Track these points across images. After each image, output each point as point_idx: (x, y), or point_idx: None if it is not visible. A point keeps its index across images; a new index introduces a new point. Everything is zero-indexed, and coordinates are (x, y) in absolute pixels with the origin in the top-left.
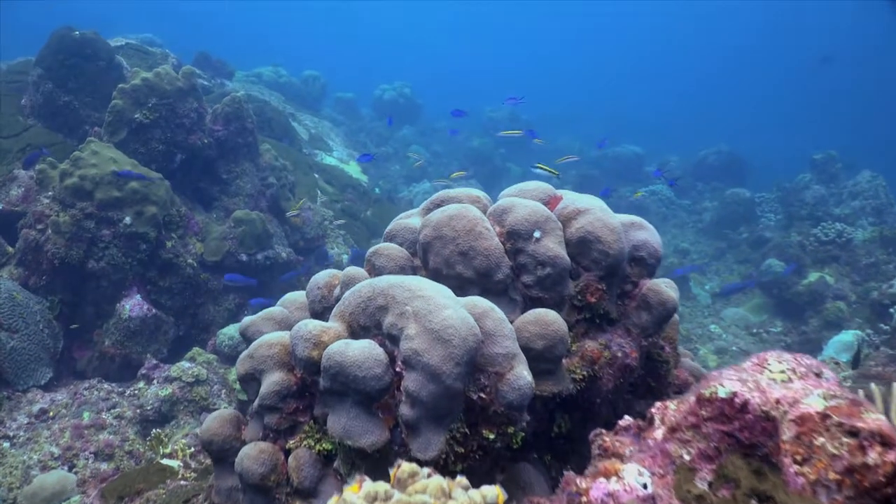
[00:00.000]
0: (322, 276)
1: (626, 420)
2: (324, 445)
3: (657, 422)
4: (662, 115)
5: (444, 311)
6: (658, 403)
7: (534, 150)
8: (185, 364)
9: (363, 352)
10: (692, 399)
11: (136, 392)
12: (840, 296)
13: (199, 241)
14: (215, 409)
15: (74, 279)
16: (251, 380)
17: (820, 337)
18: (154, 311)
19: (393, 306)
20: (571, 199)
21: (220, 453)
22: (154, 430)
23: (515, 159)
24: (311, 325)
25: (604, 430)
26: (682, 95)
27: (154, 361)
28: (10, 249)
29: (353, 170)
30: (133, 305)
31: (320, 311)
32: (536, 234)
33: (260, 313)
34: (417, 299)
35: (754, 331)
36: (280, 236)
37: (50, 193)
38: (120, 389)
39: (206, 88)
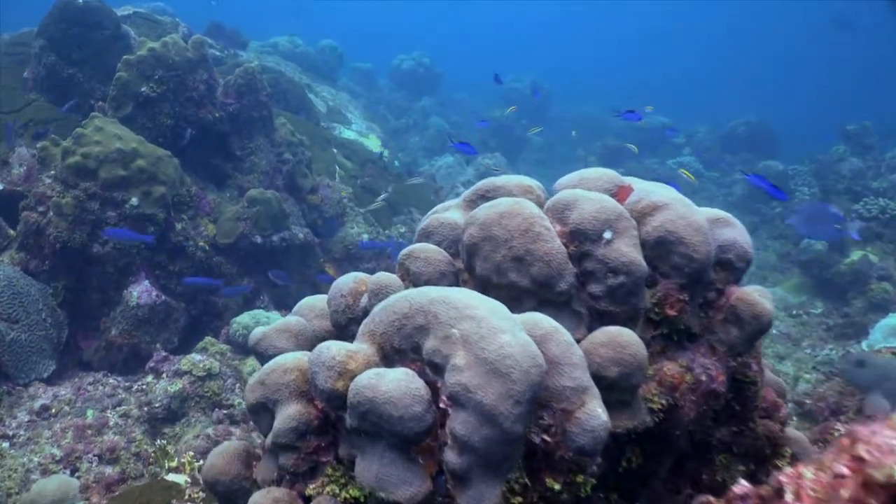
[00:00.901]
0: (346, 282)
1: (742, 487)
2: (351, 492)
3: (790, 497)
4: (688, 84)
5: (500, 337)
6: (789, 471)
7: (555, 120)
8: (196, 356)
9: (399, 386)
10: (845, 472)
11: (144, 387)
12: (885, 276)
13: (210, 221)
14: (228, 405)
15: (78, 264)
16: (263, 410)
17: (866, 320)
18: (163, 297)
19: (436, 327)
20: (644, 189)
21: (227, 495)
22: (159, 442)
23: (543, 130)
24: (335, 350)
25: (711, 499)
26: (708, 64)
27: (163, 353)
28: (12, 233)
29: (373, 144)
30: (141, 292)
31: (344, 323)
32: (607, 235)
33: (275, 324)
34: (466, 320)
35: (794, 312)
36: (297, 216)
37: (52, 173)
38: (126, 384)
39: (218, 59)
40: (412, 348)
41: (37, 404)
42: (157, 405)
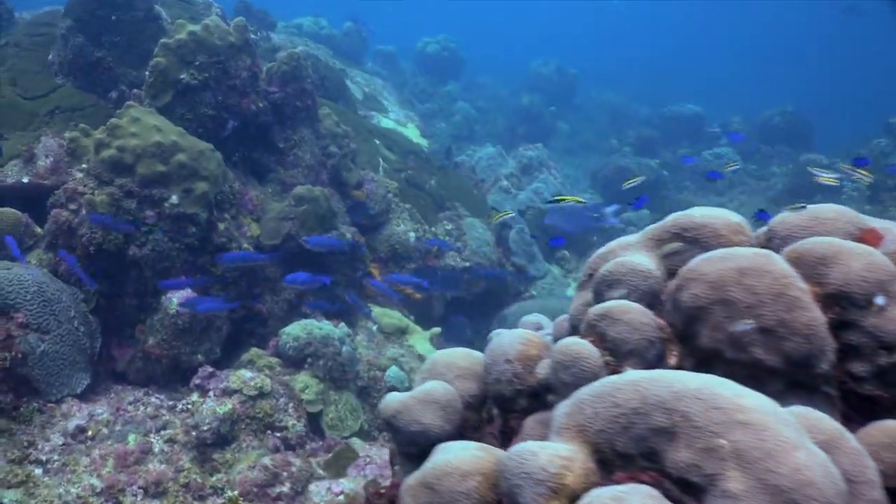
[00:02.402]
0: (511, 343)
1: None
2: None
3: None
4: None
5: (793, 455)
6: None
7: (582, 107)
8: (246, 373)
9: None
10: None
11: (189, 407)
12: None
13: (253, 220)
14: (280, 427)
15: (113, 267)
16: None
17: None
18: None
19: (689, 433)
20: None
21: None
22: (229, 495)
23: (565, 117)
24: (545, 457)
25: None
26: (741, 52)
27: (209, 369)
28: (39, 230)
29: (412, 133)
30: (182, 299)
31: (509, 395)
32: (879, 301)
33: (415, 392)
34: (739, 427)
35: None
36: (342, 214)
37: (83, 166)
38: (170, 403)
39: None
40: (645, 454)
41: (71, 425)
42: (205, 428)
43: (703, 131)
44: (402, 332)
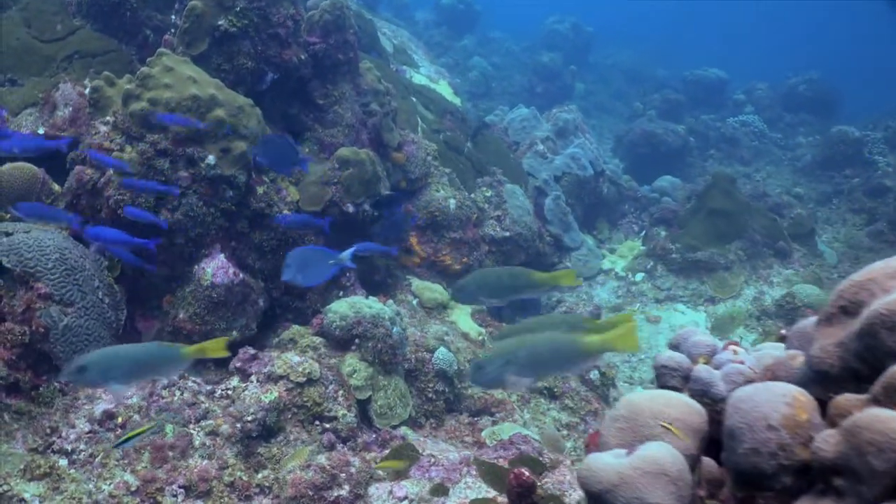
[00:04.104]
0: (772, 404)
1: None
2: None
3: None
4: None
5: None
6: None
7: (595, 66)
8: (293, 357)
9: None
10: None
11: (230, 393)
12: None
13: (292, 184)
14: (330, 418)
15: (142, 233)
16: None
17: None
18: (241, 275)
19: None
20: None
21: None
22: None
23: (580, 76)
24: None
25: None
26: (767, 15)
27: (251, 351)
28: (58, 188)
29: (445, 90)
30: (217, 269)
31: (771, 471)
32: None
33: (635, 460)
34: None
35: None
36: (384, 178)
37: (108, 119)
38: (208, 388)
39: None
40: None
41: (98, 409)
42: (249, 419)
43: (727, 97)
44: (444, 307)
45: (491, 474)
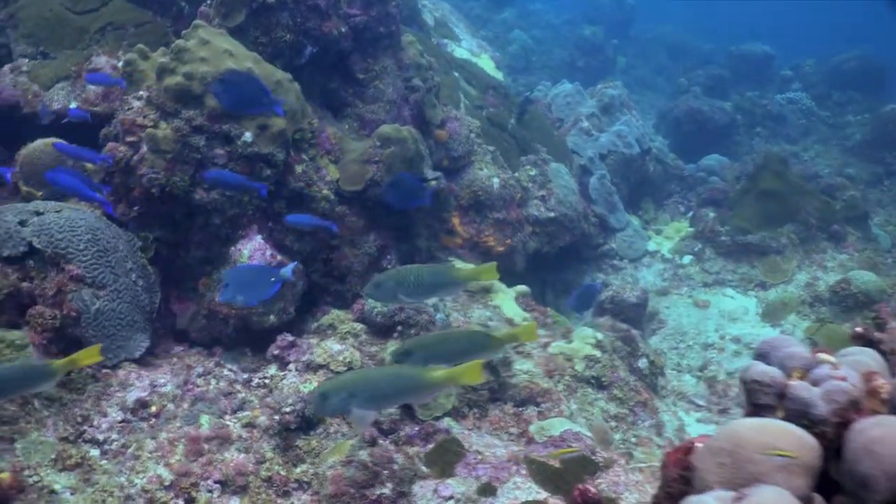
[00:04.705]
0: None
1: None
2: None
3: None
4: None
5: None
6: None
7: (636, 39)
8: (333, 346)
9: None
10: None
11: (267, 382)
12: None
13: (331, 162)
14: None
15: (177, 213)
16: None
17: None
18: (279, 257)
19: None
20: None
21: None
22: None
23: (621, 50)
24: None
25: None
26: None
27: (289, 338)
28: (90, 166)
29: (487, 64)
30: (253, 250)
31: None
32: None
33: None
34: None
35: None
36: (427, 157)
37: (142, 94)
38: (245, 377)
39: None
40: None
41: (130, 397)
42: (288, 410)
43: (773, 73)
44: (486, 290)
45: (541, 474)
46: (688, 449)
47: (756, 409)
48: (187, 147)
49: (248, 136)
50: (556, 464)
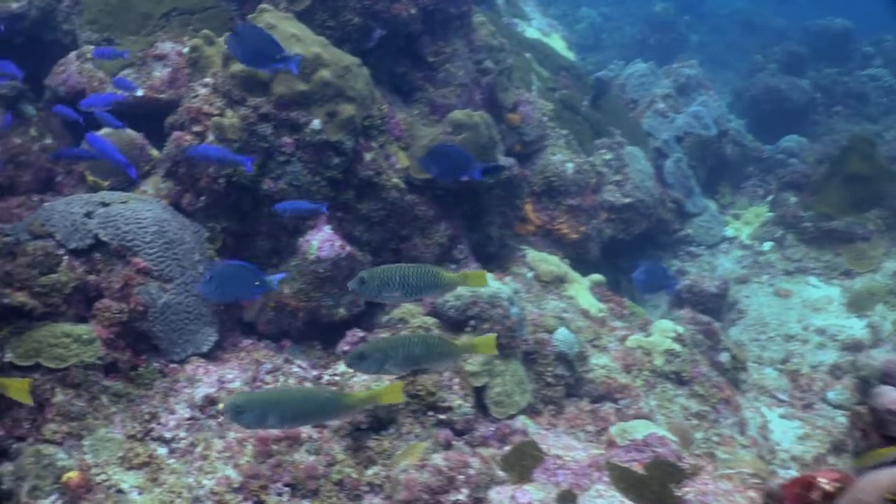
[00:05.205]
0: None
1: None
2: None
3: None
4: None
5: None
6: None
7: (708, 15)
8: None
9: None
10: None
11: (337, 379)
12: None
13: (401, 149)
14: (444, 408)
15: (244, 203)
16: None
17: None
18: (348, 248)
19: None
20: None
21: None
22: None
23: (695, 27)
24: None
25: None
26: None
27: (359, 333)
28: (156, 154)
29: (558, 44)
30: (323, 242)
31: None
32: None
33: None
34: None
35: None
36: (499, 142)
37: (208, 80)
38: (315, 374)
39: None
40: None
41: (199, 393)
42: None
43: (853, 49)
44: (561, 280)
45: (624, 481)
46: (808, 484)
47: (888, 440)
48: (254, 136)
49: (316, 123)
50: (639, 469)
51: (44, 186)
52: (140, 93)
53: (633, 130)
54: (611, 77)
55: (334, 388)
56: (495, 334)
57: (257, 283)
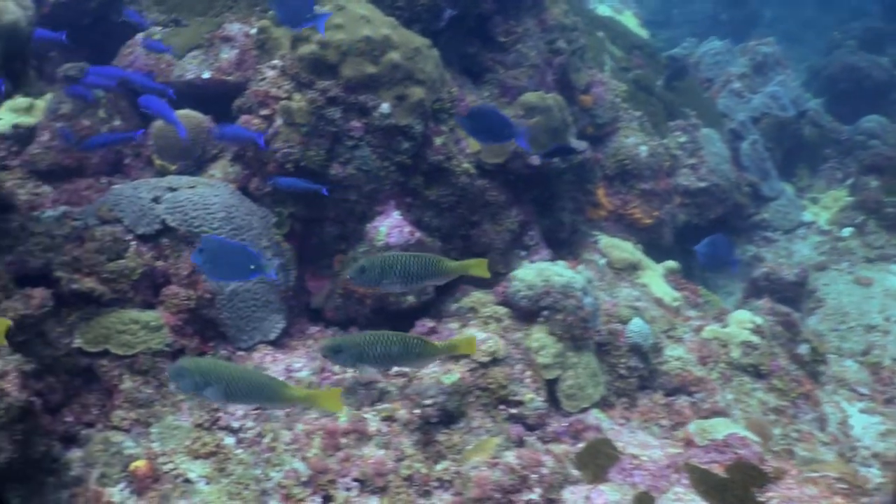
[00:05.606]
0: None
1: None
2: None
3: None
4: None
5: None
6: None
7: None
8: (477, 334)
9: None
10: None
11: (406, 370)
12: None
13: None
14: (515, 402)
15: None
16: None
17: None
18: (417, 234)
19: None
20: None
21: None
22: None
23: (770, 2)
24: None
25: None
26: None
27: (428, 323)
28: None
29: (630, 21)
30: (391, 228)
31: None
32: None
33: None
34: None
35: None
36: (571, 125)
37: (276, 63)
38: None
39: None
40: None
41: None
42: (428, 402)
43: None
44: (634, 267)
45: (705, 484)
46: None
47: None
48: (323, 120)
49: (385, 107)
50: (720, 471)
51: (112, 168)
52: (207, 75)
53: (709, 111)
54: (684, 55)
55: (280, 381)
56: (475, 336)
57: (252, 267)
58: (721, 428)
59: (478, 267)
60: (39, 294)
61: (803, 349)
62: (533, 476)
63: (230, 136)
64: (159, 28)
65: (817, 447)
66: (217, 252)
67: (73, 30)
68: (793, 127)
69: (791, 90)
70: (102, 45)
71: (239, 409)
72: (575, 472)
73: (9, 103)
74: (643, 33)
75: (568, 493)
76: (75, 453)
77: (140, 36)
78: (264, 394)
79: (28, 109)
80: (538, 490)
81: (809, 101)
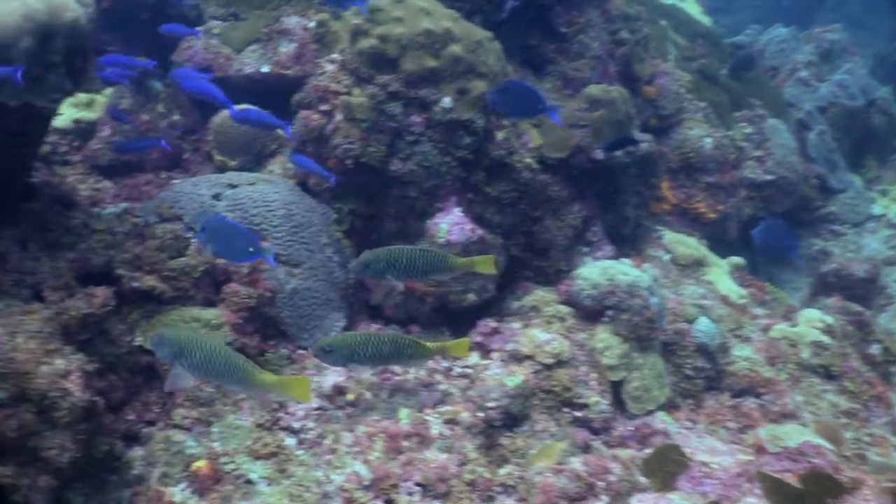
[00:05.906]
0: None
1: None
2: None
3: None
4: None
5: None
6: None
7: None
8: (539, 335)
9: None
10: None
11: (469, 372)
12: None
13: (534, 126)
14: (580, 405)
15: (372, 184)
16: None
17: None
18: (479, 231)
19: None
20: None
21: None
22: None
23: None
24: None
25: None
26: None
27: (491, 324)
28: (282, 133)
29: (692, 8)
30: (452, 225)
31: None
32: None
33: None
34: None
35: None
36: (635, 118)
37: (336, 57)
38: (445, 365)
39: None
40: None
41: (327, 382)
42: (491, 405)
43: None
44: (699, 263)
45: (778, 494)
46: None
47: None
48: (383, 115)
49: (446, 101)
50: (793, 480)
51: (171, 163)
52: (266, 69)
53: (775, 101)
54: (748, 43)
55: (252, 366)
56: (468, 339)
57: (251, 249)
58: (794, 435)
59: (484, 264)
60: (102, 293)
61: (875, 349)
62: (600, 483)
63: (255, 120)
64: (218, 22)
65: (890, 451)
66: (217, 232)
67: (132, 24)
68: (861, 116)
69: (859, 78)
70: (161, 39)
71: (300, 411)
72: (642, 480)
73: (69, 98)
74: (706, 21)
75: (635, 502)
76: (137, 452)
77: (200, 30)
78: (235, 375)
79: (88, 104)
80: (605, 498)
81: (879, 90)
